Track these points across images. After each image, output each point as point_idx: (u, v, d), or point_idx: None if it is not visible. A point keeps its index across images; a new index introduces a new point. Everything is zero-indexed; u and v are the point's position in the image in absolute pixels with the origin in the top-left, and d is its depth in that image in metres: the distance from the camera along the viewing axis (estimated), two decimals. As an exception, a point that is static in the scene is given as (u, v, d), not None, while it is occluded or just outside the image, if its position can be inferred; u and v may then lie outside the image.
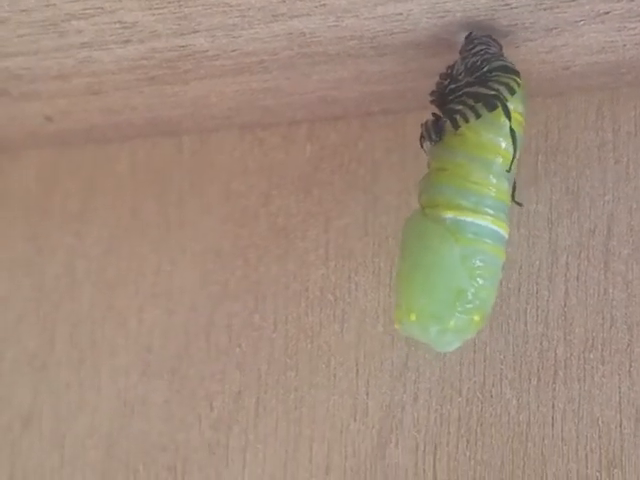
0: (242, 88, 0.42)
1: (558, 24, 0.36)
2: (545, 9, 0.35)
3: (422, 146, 0.38)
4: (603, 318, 0.40)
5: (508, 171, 0.36)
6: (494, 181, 0.36)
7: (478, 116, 0.36)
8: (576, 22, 0.36)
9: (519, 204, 0.38)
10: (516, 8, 0.35)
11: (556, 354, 0.40)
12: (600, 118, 0.41)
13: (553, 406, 0.40)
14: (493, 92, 0.36)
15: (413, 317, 0.36)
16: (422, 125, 0.37)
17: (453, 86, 0.37)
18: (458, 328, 0.36)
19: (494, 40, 0.37)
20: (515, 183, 0.37)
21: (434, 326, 0.36)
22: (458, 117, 0.36)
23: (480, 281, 0.36)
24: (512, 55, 0.38)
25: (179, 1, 0.36)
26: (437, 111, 0.37)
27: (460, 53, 0.37)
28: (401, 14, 0.36)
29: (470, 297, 0.36)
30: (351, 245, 0.44)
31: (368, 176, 0.44)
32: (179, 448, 0.45)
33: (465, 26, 0.37)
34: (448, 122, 0.36)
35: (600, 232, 0.41)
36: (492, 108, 0.36)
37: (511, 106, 0.36)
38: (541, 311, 0.41)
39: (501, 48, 0.37)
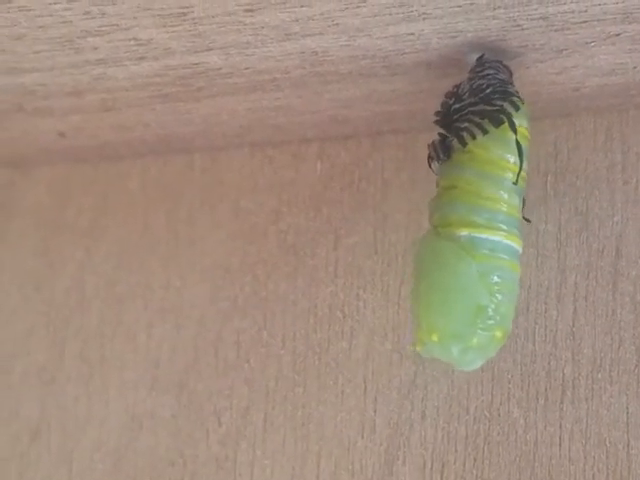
0: (254, 106, 0.43)
1: (568, 45, 0.37)
2: (556, 30, 0.36)
3: (430, 166, 0.38)
4: (611, 338, 0.40)
5: (515, 183, 0.37)
6: (505, 196, 0.37)
7: (485, 132, 0.36)
8: (587, 44, 0.37)
9: (528, 220, 0.38)
10: (527, 29, 0.36)
11: (564, 374, 0.41)
12: (609, 139, 0.42)
13: (561, 426, 0.40)
14: (497, 108, 0.36)
15: (435, 338, 0.36)
16: (429, 145, 0.37)
17: (457, 106, 0.37)
18: (480, 345, 0.36)
19: (505, 66, 0.38)
20: (524, 199, 0.38)
21: (456, 345, 0.36)
22: (465, 134, 0.37)
23: (499, 297, 0.36)
24: (522, 76, 0.38)
25: (193, 19, 0.36)
26: (442, 131, 0.38)
27: (469, 73, 0.38)
28: (413, 34, 0.36)
29: (491, 313, 0.36)
30: (360, 263, 0.44)
31: (378, 195, 0.44)
32: (187, 463, 0.45)
33: (476, 47, 0.37)
34: (455, 140, 0.37)
35: (609, 253, 0.41)
36: (498, 123, 0.36)
37: (516, 121, 0.37)
38: (549, 331, 0.41)
39: (511, 75, 0.38)
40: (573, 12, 0.35)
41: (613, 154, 0.41)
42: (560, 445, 0.40)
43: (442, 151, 0.37)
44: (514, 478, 0.40)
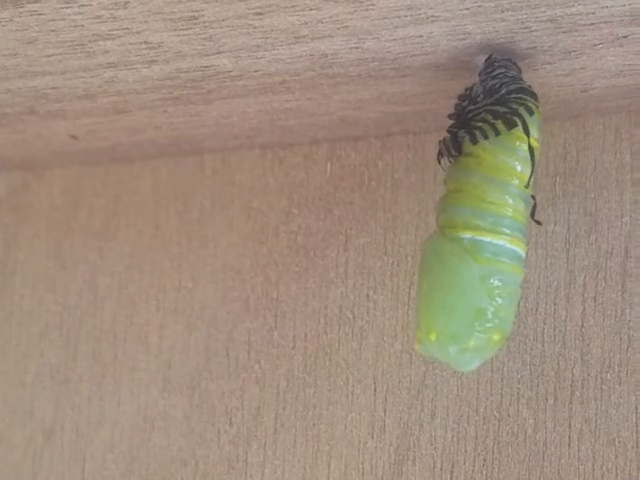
0: (264, 108, 0.43)
1: (577, 47, 0.37)
2: (564, 32, 0.36)
3: (439, 162, 0.38)
4: (620, 339, 0.40)
5: (526, 187, 0.37)
6: (510, 201, 0.37)
7: (497, 133, 0.36)
8: (595, 45, 0.37)
9: (538, 222, 0.39)
10: (536, 31, 0.36)
11: (573, 374, 0.41)
12: (618, 140, 0.42)
13: (570, 426, 0.40)
14: (512, 110, 0.36)
15: (433, 337, 0.36)
16: (440, 142, 0.38)
17: (472, 107, 0.37)
18: (478, 348, 0.36)
19: (514, 63, 0.38)
20: (535, 201, 0.38)
21: (454, 346, 0.36)
22: (477, 133, 0.37)
23: (499, 300, 0.36)
24: (531, 78, 0.39)
25: (204, 22, 0.36)
26: (453, 128, 0.38)
27: (479, 75, 0.38)
28: (421, 36, 0.37)
29: (489, 316, 0.36)
30: (370, 264, 0.44)
31: (388, 195, 0.44)
32: (198, 463, 0.45)
33: (485, 48, 0.37)
34: (467, 137, 0.37)
35: (617, 253, 0.41)
36: (511, 126, 0.36)
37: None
38: (558, 331, 0.41)
39: (520, 71, 0.38)
40: (581, 14, 0.35)
41: (622, 155, 0.42)
42: (569, 445, 0.40)
43: (453, 147, 0.37)
44: (523, 478, 0.41)
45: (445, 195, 0.38)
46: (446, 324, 0.36)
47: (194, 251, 0.47)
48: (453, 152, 0.37)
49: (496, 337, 0.36)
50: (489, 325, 0.36)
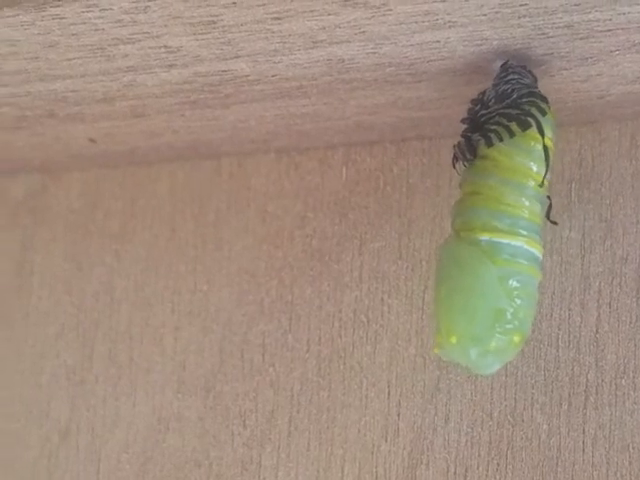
0: (281, 112, 0.43)
1: (593, 53, 0.37)
2: (581, 38, 0.36)
3: (454, 167, 0.38)
4: (635, 345, 0.41)
5: (540, 186, 0.37)
6: (527, 203, 0.37)
7: (512, 135, 0.37)
8: (611, 52, 0.37)
9: (554, 223, 0.39)
10: (552, 37, 0.36)
11: (587, 380, 0.41)
12: (634, 146, 0.42)
13: (584, 431, 0.40)
14: (525, 112, 0.37)
15: (454, 340, 0.36)
16: (454, 146, 0.38)
17: (484, 112, 0.38)
18: (498, 349, 0.37)
19: (529, 72, 0.38)
20: (551, 202, 0.38)
21: (475, 348, 0.36)
22: (492, 135, 0.37)
23: (518, 301, 0.36)
24: (547, 84, 0.39)
25: (223, 27, 0.36)
26: (467, 132, 0.38)
27: (494, 80, 0.38)
28: (438, 42, 0.37)
29: (509, 317, 0.36)
30: (385, 268, 0.44)
31: (403, 200, 0.45)
32: (212, 464, 0.46)
33: (501, 54, 0.37)
34: (482, 140, 0.37)
35: (633, 260, 0.41)
36: (526, 127, 0.37)
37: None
38: (573, 337, 0.41)
39: (536, 80, 0.38)
40: (598, 21, 0.35)
41: (637, 161, 0.42)
42: (583, 451, 0.40)
43: (468, 150, 0.37)
44: (537, 483, 0.41)
45: (461, 199, 0.38)
46: (467, 326, 0.36)
47: (210, 254, 0.47)
48: (468, 156, 0.37)
49: (516, 338, 0.37)
50: (509, 326, 0.36)
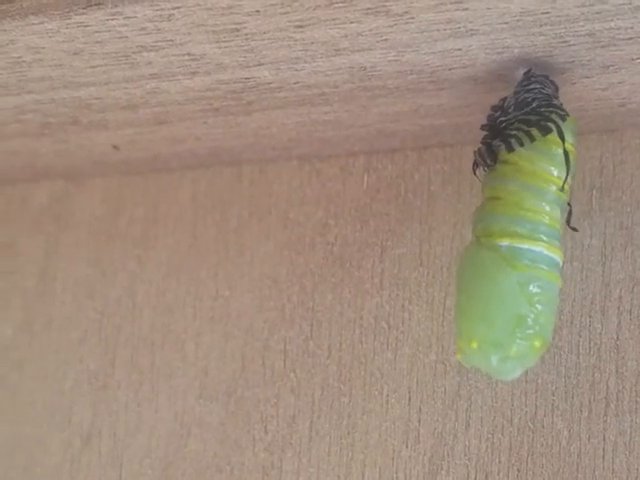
0: (303, 120, 0.43)
1: (615, 61, 0.37)
2: (602, 46, 0.36)
3: (475, 173, 0.38)
4: (655, 352, 0.41)
5: (562, 190, 0.37)
6: (547, 209, 0.37)
7: (532, 140, 0.37)
8: (632, 60, 0.37)
9: (574, 229, 0.39)
10: (574, 45, 0.36)
11: (608, 386, 0.41)
12: (655, 154, 0.42)
13: (604, 438, 0.40)
14: (545, 117, 0.37)
15: (475, 345, 0.36)
16: (475, 152, 0.38)
17: (503, 119, 0.38)
18: (519, 355, 0.37)
19: (551, 82, 0.38)
20: (571, 208, 0.38)
21: (496, 354, 0.36)
22: (513, 141, 0.37)
23: (539, 307, 0.36)
24: (569, 92, 0.39)
25: (246, 35, 0.37)
26: (487, 138, 0.38)
27: (516, 87, 0.38)
28: (460, 49, 0.37)
29: (530, 323, 0.36)
30: (406, 275, 0.45)
31: (424, 207, 0.45)
32: (234, 470, 0.46)
33: (523, 62, 0.38)
34: (502, 145, 0.37)
35: (653, 267, 0.41)
36: (547, 131, 0.37)
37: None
38: (593, 344, 0.41)
39: (557, 90, 0.38)
40: (619, 29, 0.35)
41: (659, 169, 0.42)
42: (604, 457, 0.40)
43: (488, 156, 0.37)
44: (557, 489, 0.41)
45: (482, 204, 0.38)
46: (487, 332, 0.36)
47: (231, 260, 0.48)
48: (489, 161, 0.37)
49: (537, 343, 0.37)
50: (530, 332, 0.36)
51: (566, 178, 0.37)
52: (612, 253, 0.42)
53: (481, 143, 0.38)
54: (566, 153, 0.37)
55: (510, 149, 0.37)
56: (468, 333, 0.37)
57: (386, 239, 0.45)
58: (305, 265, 0.46)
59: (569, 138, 0.37)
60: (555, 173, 0.37)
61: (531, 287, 0.36)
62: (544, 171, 0.37)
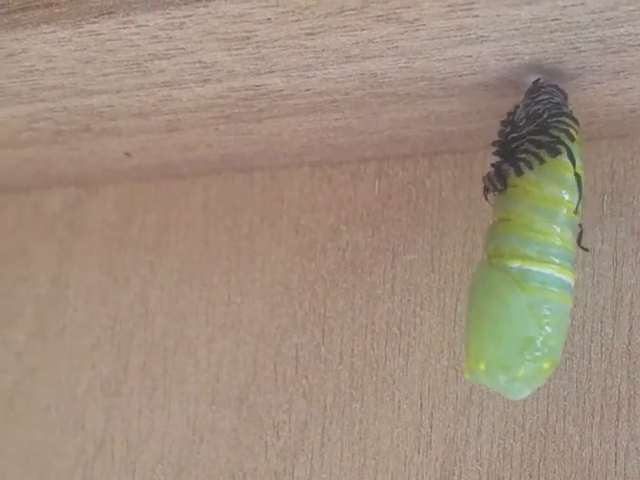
0: (314, 126, 0.44)
1: (625, 67, 0.37)
2: (613, 52, 0.36)
3: (486, 198, 0.38)
4: (667, 357, 0.41)
5: (575, 213, 0.37)
6: (558, 230, 0.37)
7: (542, 162, 0.37)
8: (643, 65, 0.37)
9: (585, 249, 0.38)
10: (584, 51, 0.36)
11: (619, 391, 0.41)
12: (666, 160, 0.42)
13: (616, 443, 0.40)
14: (555, 139, 0.37)
15: (482, 367, 0.36)
16: (484, 178, 0.38)
17: (515, 135, 0.38)
18: (527, 377, 0.36)
19: (560, 90, 0.38)
20: (582, 228, 0.38)
21: (503, 375, 0.36)
22: (522, 165, 0.37)
23: (548, 329, 0.36)
24: (579, 97, 0.39)
25: (257, 42, 0.37)
26: (497, 160, 0.38)
27: (524, 98, 0.38)
28: (471, 56, 0.37)
29: (539, 345, 0.36)
30: (417, 280, 0.45)
31: (435, 213, 0.45)
32: (246, 476, 0.46)
33: (533, 69, 0.38)
34: (511, 169, 0.37)
35: (665, 272, 0.41)
36: (555, 153, 0.36)
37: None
38: (605, 349, 0.41)
39: (566, 98, 0.38)
40: (630, 35, 0.35)
41: (670, 174, 0.42)
42: (615, 462, 0.40)
43: (498, 181, 0.37)
44: (570, 495, 0.41)
45: (493, 224, 0.38)
46: (495, 353, 0.36)
47: (243, 266, 0.48)
48: (499, 186, 0.37)
49: (546, 366, 0.36)
50: (538, 354, 0.36)
51: (579, 202, 0.37)
52: (623, 258, 0.42)
53: (491, 166, 0.38)
54: (577, 176, 0.37)
55: (519, 172, 0.37)
56: (476, 354, 0.37)
57: (397, 245, 0.45)
58: (317, 271, 0.46)
59: (578, 162, 0.37)
60: (566, 197, 0.37)
61: (541, 309, 0.36)
62: (554, 195, 0.37)
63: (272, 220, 0.48)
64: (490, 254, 0.37)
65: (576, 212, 0.37)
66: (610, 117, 0.41)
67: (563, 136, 0.37)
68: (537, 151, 0.37)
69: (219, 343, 0.47)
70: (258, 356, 0.47)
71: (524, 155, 0.37)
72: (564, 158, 0.37)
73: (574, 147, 0.37)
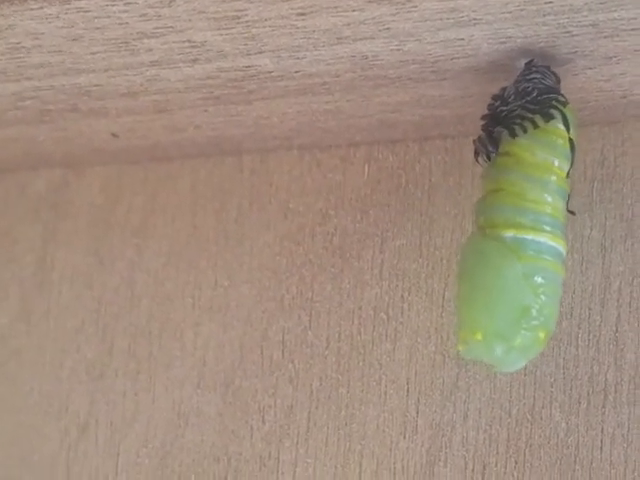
0: (304, 109, 0.43)
1: (617, 53, 0.37)
2: (605, 37, 0.36)
3: (477, 161, 0.38)
4: (655, 345, 0.41)
5: (567, 177, 0.37)
6: (549, 199, 0.37)
7: (535, 126, 0.37)
8: (636, 51, 0.37)
9: (572, 213, 0.38)
10: (577, 36, 0.36)
11: (606, 378, 0.41)
12: (656, 146, 0.42)
13: (602, 430, 0.40)
14: (547, 105, 0.37)
15: (479, 336, 0.36)
16: (475, 140, 0.38)
17: (504, 108, 0.38)
18: (524, 346, 0.36)
19: (553, 73, 0.38)
20: (569, 196, 0.38)
21: (500, 345, 0.36)
22: (516, 127, 0.37)
23: (543, 298, 0.36)
24: (571, 83, 0.39)
25: (247, 22, 0.37)
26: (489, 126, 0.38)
27: (517, 77, 0.38)
28: (463, 39, 0.37)
29: (535, 314, 0.36)
30: (405, 266, 0.44)
31: (424, 198, 0.45)
32: (231, 460, 0.46)
33: (525, 53, 0.37)
34: (505, 132, 0.37)
35: (653, 259, 0.41)
36: (549, 117, 0.37)
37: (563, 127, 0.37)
38: (592, 336, 0.41)
39: (559, 82, 0.38)
40: (623, 19, 0.35)
41: (660, 161, 0.42)
42: (601, 449, 0.40)
43: (490, 143, 0.37)
44: (555, 481, 0.41)
45: (484, 196, 0.38)
46: (492, 323, 0.36)
47: (231, 250, 0.48)
48: (490, 148, 0.37)
49: (542, 335, 0.37)
50: (535, 323, 0.36)
51: (571, 165, 0.37)
52: (612, 245, 0.42)
53: (482, 130, 0.38)
54: (571, 140, 0.37)
55: (513, 135, 0.37)
56: (471, 324, 0.37)
57: (386, 230, 0.45)
58: (305, 255, 0.46)
59: (571, 128, 0.37)
60: (556, 163, 0.37)
61: (536, 278, 0.36)
62: (545, 161, 0.37)
63: (260, 204, 0.47)
64: (482, 225, 0.37)
65: (567, 176, 0.37)
66: (601, 103, 0.41)
67: (555, 102, 0.37)
68: (531, 116, 0.37)
69: (205, 327, 0.47)
70: (245, 340, 0.46)
71: (518, 120, 0.37)
72: (557, 124, 0.37)
73: (567, 112, 0.37)
